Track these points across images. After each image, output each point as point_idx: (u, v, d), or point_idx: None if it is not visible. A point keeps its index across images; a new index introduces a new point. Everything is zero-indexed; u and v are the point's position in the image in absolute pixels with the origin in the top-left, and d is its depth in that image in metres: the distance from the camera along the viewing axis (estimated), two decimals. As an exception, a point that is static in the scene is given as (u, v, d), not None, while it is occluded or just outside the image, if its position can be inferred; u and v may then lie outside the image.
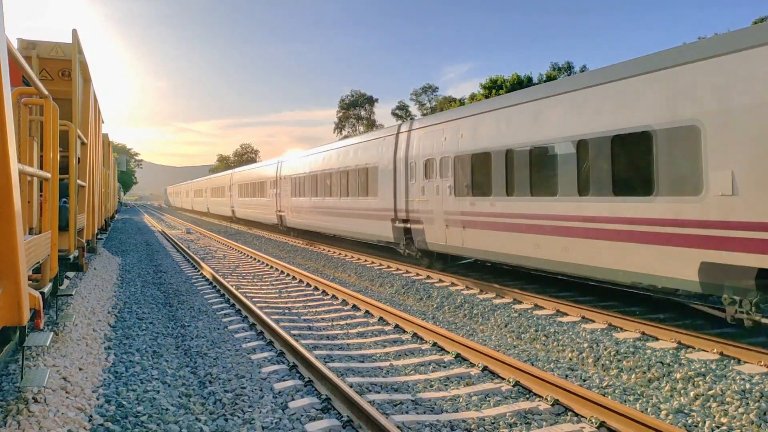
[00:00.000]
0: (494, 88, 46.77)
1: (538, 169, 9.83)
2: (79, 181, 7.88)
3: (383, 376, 6.30)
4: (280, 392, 5.63)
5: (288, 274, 14.22)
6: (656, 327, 7.66)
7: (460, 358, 6.87)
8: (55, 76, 9.06)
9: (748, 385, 5.50)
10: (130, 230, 31.46)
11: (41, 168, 5.59)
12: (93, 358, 6.15)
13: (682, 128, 7.36)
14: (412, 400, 5.49)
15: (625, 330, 7.90)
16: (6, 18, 3.06)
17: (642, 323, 7.87)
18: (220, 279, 12.20)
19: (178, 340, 7.93)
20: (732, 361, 6.44)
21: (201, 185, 56.21)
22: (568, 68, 55.07)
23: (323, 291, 11.73)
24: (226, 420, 4.96)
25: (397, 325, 8.57)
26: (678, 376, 5.96)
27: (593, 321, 8.47)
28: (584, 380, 6.27)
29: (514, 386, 5.86)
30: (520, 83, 45.49)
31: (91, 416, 4.50)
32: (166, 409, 4.94)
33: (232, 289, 10.86)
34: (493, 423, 4.98)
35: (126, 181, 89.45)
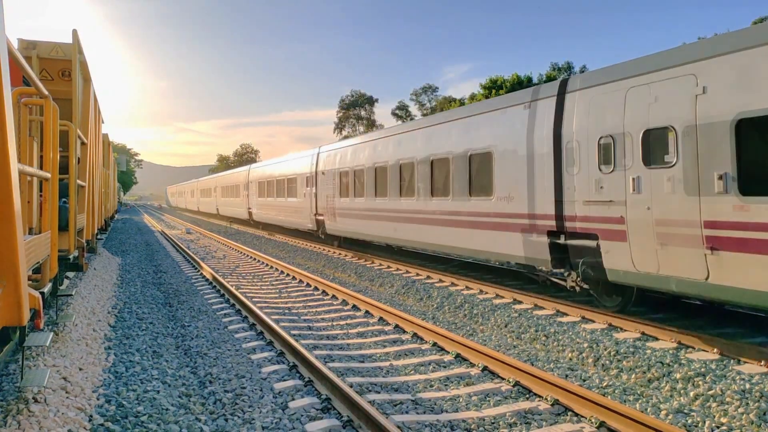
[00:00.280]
0: (494, 88, 46.78)
1: None
2: (79, 181, 7.88)
3: (383, 376, 6.30)
4: (280, 392, 5.63)
5: (288, 274, 14.22)
6: (656, 327, 7.66)
7: (460, 358, 6.87)
8: (55, 76, 9.06)
9: (748, 385, 5.50)
10: (130, 230, 31.46)
11: (41, 168, 5.59)
12: (93, 358, 6.15)
13: (487, 153, 11.06)
14: (412, 400, 5.49)
15: (625, 330, 7.90)
16: (6, 18, 3.06)
17: (642, 323, 7.87)
18: (220, 279, 12.20)
19: (178, 340, 7.93)
20: (732, 361, 6.44)
21: (209, 184, 50.79)
22: (568, 68, 55.07)
23: (323, 291, 11.73)
24: (226, 420, 4.96)
25: (397, 325, 8.57)
26: (678, 376, 5.96)
27: (593, 321, 8.47)
28: (584, 380, 6.27)
29: (514, 386, 5.86)
30: (520, 83, 45.50)
31: (91, 416, 4.50)
32: (166, 409, 4.94)
33: (232, 289, 10.86)
34: (493, 423, 4.98)
35: (126, 181, 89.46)
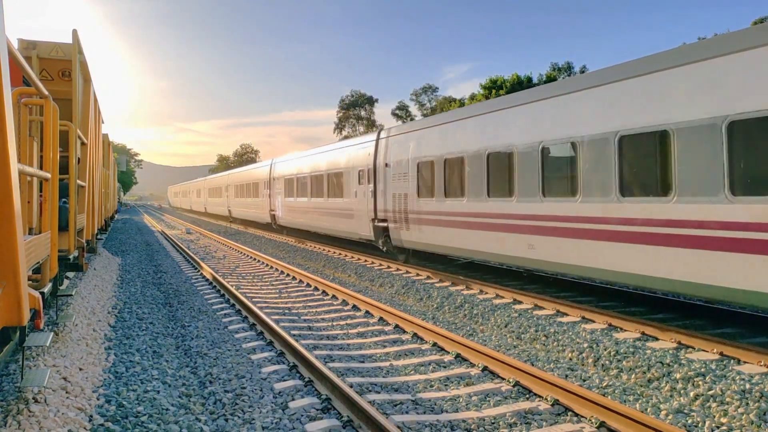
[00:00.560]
0: (494, 88, 46.80)
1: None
2: (79, 181, 7.88)
3: (383, 376, 6.30)
4: (280, 392, 5.63)
5: (288, 275, 14.22)
6: (656, 327, 7.66)
7: (460, 358, 6.87)
8: (55, 76, 9.06)
9: (748, 385, 5.50)
10: (130, 230, 31.46)
11: (41, 168, 5.59)
12: (93, 358, 6.15)
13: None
14: (412, 400, 5.49)
15: (625, 330, 7.90)
16: (6, 18, 3.06)
17: (642, 323, 7.87)
18: (220, 279, 12.20)
19: (178, 340, 7.93)
20: (732, 361, 6.44)
21: (219, 182, 44.61)
22: (568, 68, 55.07)
23: (323, 291, 11.73)
24: (227, 420, 4.96)
25: (397, 325, 8.57)
26: (678, 376, 5.96)
27: (593, 321, 8.47)
28: (584, 380, 6.27)
29: (514, 386, 5.86)
30: (520, 83, 45.51)
31: (91, 416, 4.50)
32: (167, 409, 4.94)
33: (232, 289, 10.86)
34: (493, 423, 4.98)
35: (126, 181, 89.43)
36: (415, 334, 8.03)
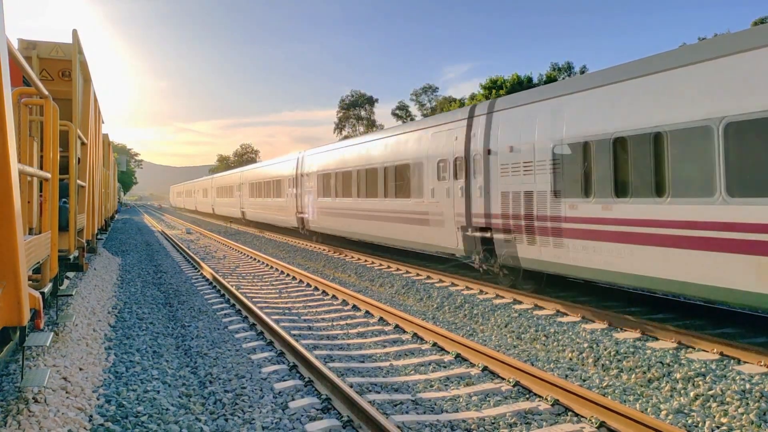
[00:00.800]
0: (494, 88, 46.80)
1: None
2: (79, 181, 7.88)
3: (383, 376, 6.30)
4: (280, 392, 5.63)
5: (288, 275, 14.22)
6: (656, 327, 7.66)
7: (460, 358, 6.87)
8: (55, 76, 9.06)
9: (748, 385, 5.50)
10: (130, 230, 31.46)
11: (41, 168, 5.59)
12: (93, 358, 6.15)
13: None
14: (412, 400, 5.49)
15: (625, 330, 7.90)
16: (6, 18, 3.06)
17: (642, 323, 7.87)
18: (220, 279, 12.20)
19: (179, 340, 7.93)
20: (732, 361, 6.44)
21: (231, 180, 39.29)
22: (568, 68, 55.08)
23: (323, 291, 11.73)
24: (227, 420, 4.96)
25: (397, 325, 8.57)
26: (678, 376, 5.96)
27: (593, 321, 8.47)
28: (584, 380, 6.27)
29: (514, 386, 5.86)
30: (520, 83, 45.51)
31: (91, 416, 4.50)
32: (167, 409, 4.94)
33: (233, 289, 10.86)
34: (493, 423, 4.98)
35: (126, 181, 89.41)
36: (415, 334, 8.03)
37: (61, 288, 7.44)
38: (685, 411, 5.27)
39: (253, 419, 4.95)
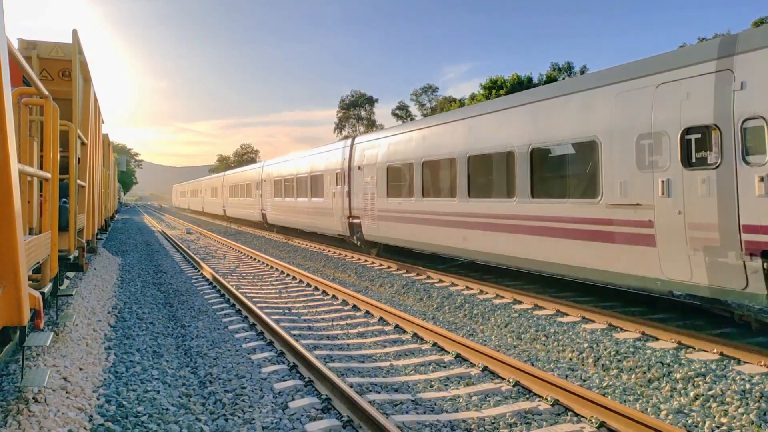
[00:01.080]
0: (494, 88, 46.82)
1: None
2: (79, 181, 7.88)
3: (383, 376, 6.30)
4: (280, 392, 5.63)
5: (288, 275, 14.22)
6: (656, 327, 7.66)
7: (460, 358, 6.87)
8: (55, 76, 9.06)
9: (748, 385, 5.50)
10: (130, 230, 31.46)
11: (41, 168, 5.59)
12: (93, 358, 6.15)
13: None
14: (412, 400, 5.49)
15: (625, 330, 7.90)
16: (6, 18, 3.06)
17: (642, 323, 7.87)
18: (220, 279, 12.20)
19: (179, 340, 7.93)
20: (732, 361, 6.44)
21: (248, 177, 32.55)
22: (568, 68, 55.10)
23: (323, 291, 11.73)
24: (227, 420, 4.96)
25: (397, 325, 8.57)
26: (678, 376, 5.96)
27: (593, 321, 8.47)
28: (584, 380, 6.27)
29: (514, 386, 5.86)
30: (520, 83, 45.53)
31: (91, 416, 4.50)
32: (167, 409, 4.94)
33: (232, 289, 10.86)
34: (493, 423, 4.98)
35: (126, 181, 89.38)
36: (415, 334, 8.03)
37: (61, 288, 7.45)
38: (685, 411, 5.27)
39: (253, 419, 4.95)
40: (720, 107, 6.95)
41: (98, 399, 4.95)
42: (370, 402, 5.30)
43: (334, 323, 9.02)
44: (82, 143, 8.58)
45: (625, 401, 5.60)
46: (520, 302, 9.93)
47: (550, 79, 47.44)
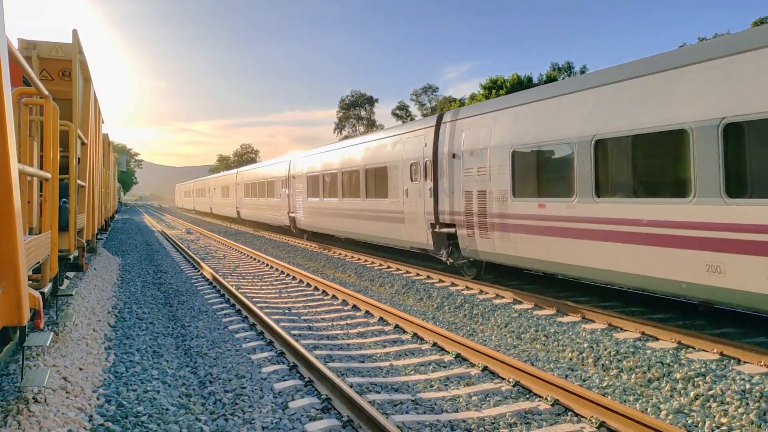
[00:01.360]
0: (494, 88, 46.81)
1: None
2: (79, 181, 7.88)
3: (383, 376, 6.30)
4: (280, 392, 5.63)
5: (288, 275, 14.22)
6: (656, 327, 7.65)
7: (460, 358, 6.87)
8: (55, 76, 9.06)
9: (748, 385, 5.50)
10: (130, 230, 31.45)
11: (41, 168, 5.59)
12: (93, 358, 6.15)
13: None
14: (412, 400, 5.49)
15: (625, 330, 7.90)
16: (6, 18, 3.06)
17: (642, 323, 7.87)
18: (221, 279, 12.20)
19: (179, 340, 7.93)
20: (732, 361, 6.43)
21: (268, 173, 28.39)
22: (569, 68, 55.10)
23: (323, 291, 11.73)
24: (227, 420, 4.96)
25: (397, 325, 8.57)
26: (678, 376, 5.96)
27: (593, 321, 8.47)
28: (584, 380, 6.27)
29: (514, 386, 5.86)
30: (520, 83, 45.53)
31: (91, 416, 4.50)
32: (167, 409, 4.94)
33: (233, 289, 10.86)
34: (493, 423, 4.98)
35: (126, 181, 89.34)
36: (415, 334, 8.03)
37: (61, 288, 7.44)
38: (685, 411, 5.27)
39: (253, 419, 4.95)
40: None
41: (98, 399, 4.95)
42: (370, 402, 5.30)
43: (334, 323, 9.02)
44: (82, 143, 8.57)
45: (625, 401, 5.60)
46: (520, 302, 9.93)
47: (550, 79, 47.43)
